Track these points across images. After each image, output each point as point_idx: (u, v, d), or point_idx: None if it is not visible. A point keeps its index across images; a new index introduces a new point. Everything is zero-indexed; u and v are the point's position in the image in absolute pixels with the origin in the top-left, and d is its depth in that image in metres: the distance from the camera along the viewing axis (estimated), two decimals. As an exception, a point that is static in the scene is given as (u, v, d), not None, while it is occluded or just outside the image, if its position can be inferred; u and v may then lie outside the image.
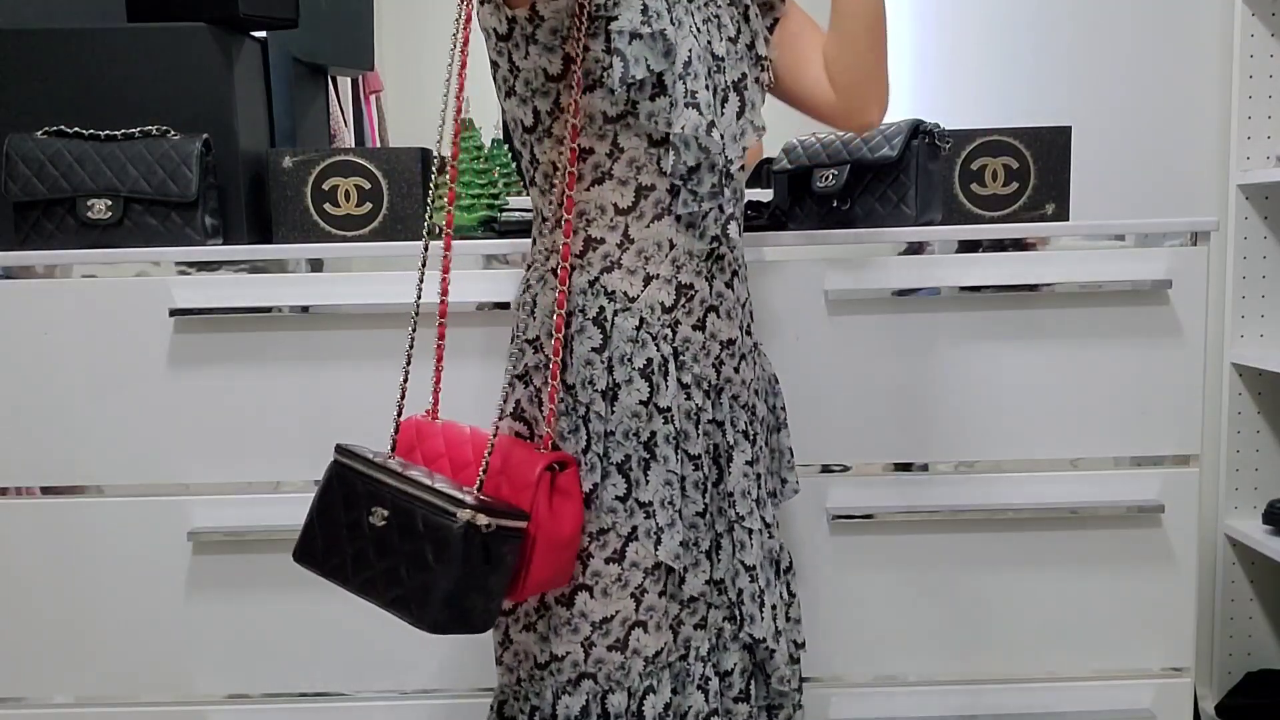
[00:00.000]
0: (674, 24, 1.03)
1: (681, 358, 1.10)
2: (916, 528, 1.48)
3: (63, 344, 1.43)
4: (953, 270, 1.43)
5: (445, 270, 1.14)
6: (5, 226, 1.51)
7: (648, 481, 1.07)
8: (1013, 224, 1.51)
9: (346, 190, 1.51)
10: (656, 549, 1.07)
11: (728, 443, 1.14)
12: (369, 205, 1.51)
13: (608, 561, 1.07)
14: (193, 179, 1.45)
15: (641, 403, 1.06)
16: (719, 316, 1.13)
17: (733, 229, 1.12)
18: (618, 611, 1.07)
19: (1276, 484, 2.03)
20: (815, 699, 1.49)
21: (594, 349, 1.06)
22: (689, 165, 1.06)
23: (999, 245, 1.43)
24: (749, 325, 1.19)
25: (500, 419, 1.10)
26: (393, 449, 1.14)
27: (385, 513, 1.01)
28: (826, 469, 1.47)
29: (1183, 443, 1.47)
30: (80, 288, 1.43)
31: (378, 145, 2.88)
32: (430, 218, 1.15)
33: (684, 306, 1.10)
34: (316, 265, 1.42)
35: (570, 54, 1.02)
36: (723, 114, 1.09)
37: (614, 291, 1.07)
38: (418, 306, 1.14)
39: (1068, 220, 1.56)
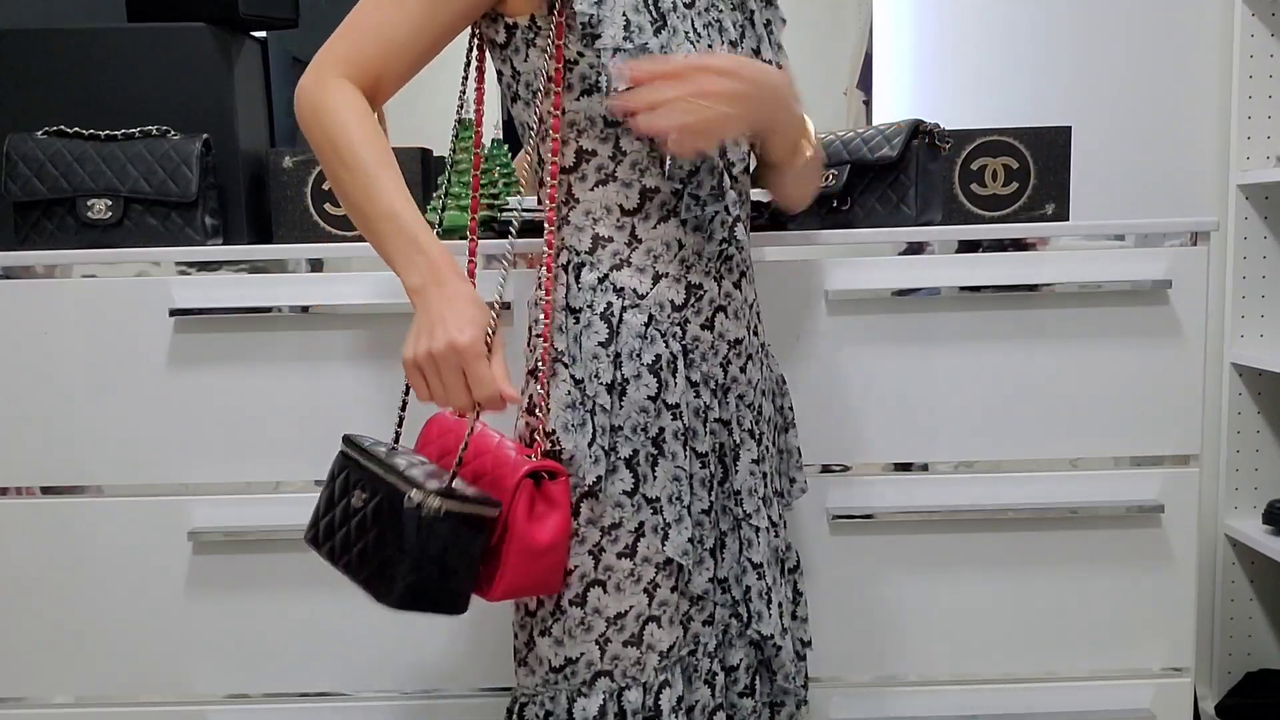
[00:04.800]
0: (668, 31, 1.03)
1: (690, 356, 1.11)
2: (916, 528, 1.48)
3: (63, 344, 1.43)
4: (953, 270, 1.43)
5: (471, 261, 1.21)
6: (5, 226, 1.51)
7: (655, 477, 1.08)
8: (1013, 224, 1.51)
9: (346, 190, 1.51)
10: (664, 544, 1.07)
11: (734, 441, 1.15)
12: (369, 205, 1.51)
13: (619, 556, 1.07)
14: (193, 179, 1.45)
15: (650, 398, 1.07)
16: (727, 316, 1.14)
17: (739, 230, 1.13)
18: (631, 607, 1.08)
19: (1276, 484, 2.03)
20: (815, 699, 1.49)
21: (600, 343, 1.07)
22: (686, 169, 1.07)
23: (999, 245, 1.43)
24: (757, 326, 1.20)
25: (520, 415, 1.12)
26: (395, 439, 1.16)
27: (364, 495, 1.04)
28: (826, 469, 1.47)
29: (1183, 443, 1.47)
30: (80, 288, 1.43)
31: (378, 145, 2.87)
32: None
33: (693, 306, 1.11)
34: (316, 265, 1.42)
35: (567, 58, 1.04)
36: None
37: (623, 288, 1.08)
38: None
39: (1068, 220, 1.56)
